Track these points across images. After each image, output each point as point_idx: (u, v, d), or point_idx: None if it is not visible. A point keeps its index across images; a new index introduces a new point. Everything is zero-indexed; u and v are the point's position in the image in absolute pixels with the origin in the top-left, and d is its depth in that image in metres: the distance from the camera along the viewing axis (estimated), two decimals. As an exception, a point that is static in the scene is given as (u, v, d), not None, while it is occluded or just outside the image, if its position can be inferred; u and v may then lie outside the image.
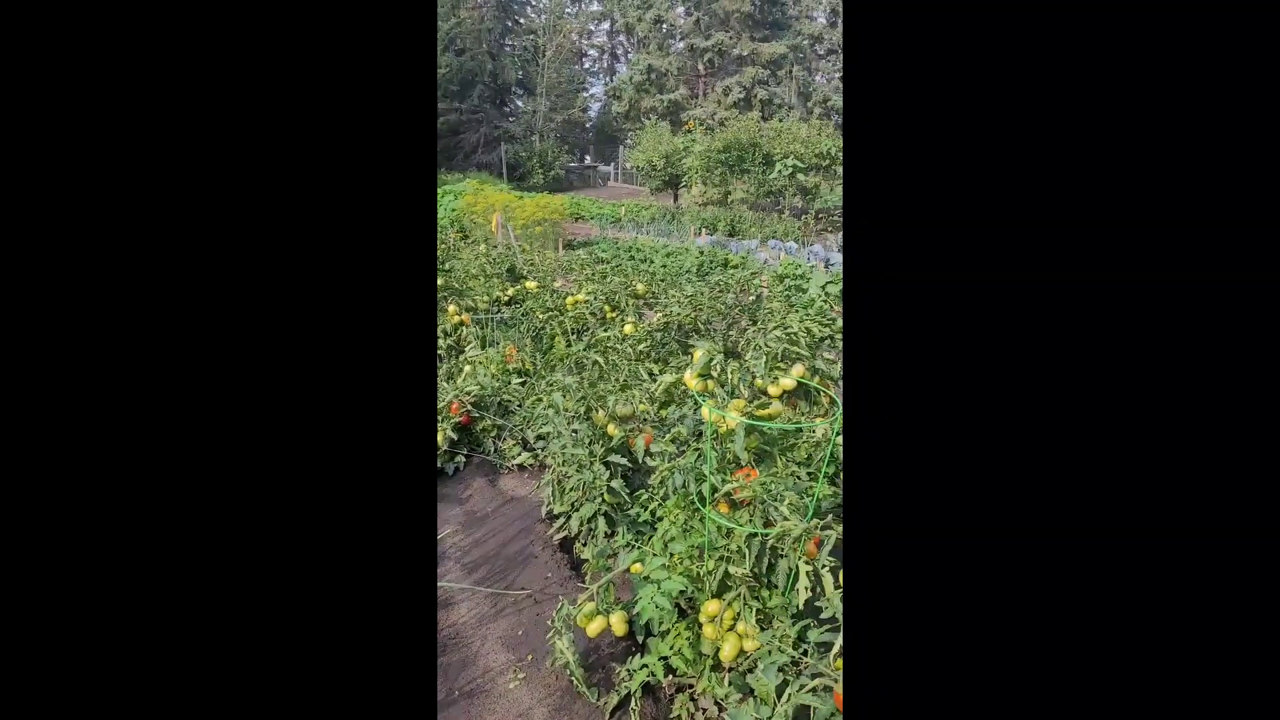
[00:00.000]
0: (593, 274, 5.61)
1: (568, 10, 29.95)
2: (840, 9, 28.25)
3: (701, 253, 10.04)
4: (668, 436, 2.29)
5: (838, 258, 9.83)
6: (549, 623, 2.31)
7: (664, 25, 24.97)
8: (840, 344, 5.38)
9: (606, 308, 4.97)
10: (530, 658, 2.26)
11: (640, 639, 2.18)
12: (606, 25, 31.40)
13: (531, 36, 27.64)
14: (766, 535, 1.94)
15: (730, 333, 3.83)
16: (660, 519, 2.18)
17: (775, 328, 3.40)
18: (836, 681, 1.59)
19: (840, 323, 5.85)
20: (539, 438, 3.60)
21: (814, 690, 1.64)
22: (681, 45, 24.72)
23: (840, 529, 1.91)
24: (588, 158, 32.72)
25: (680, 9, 24.51)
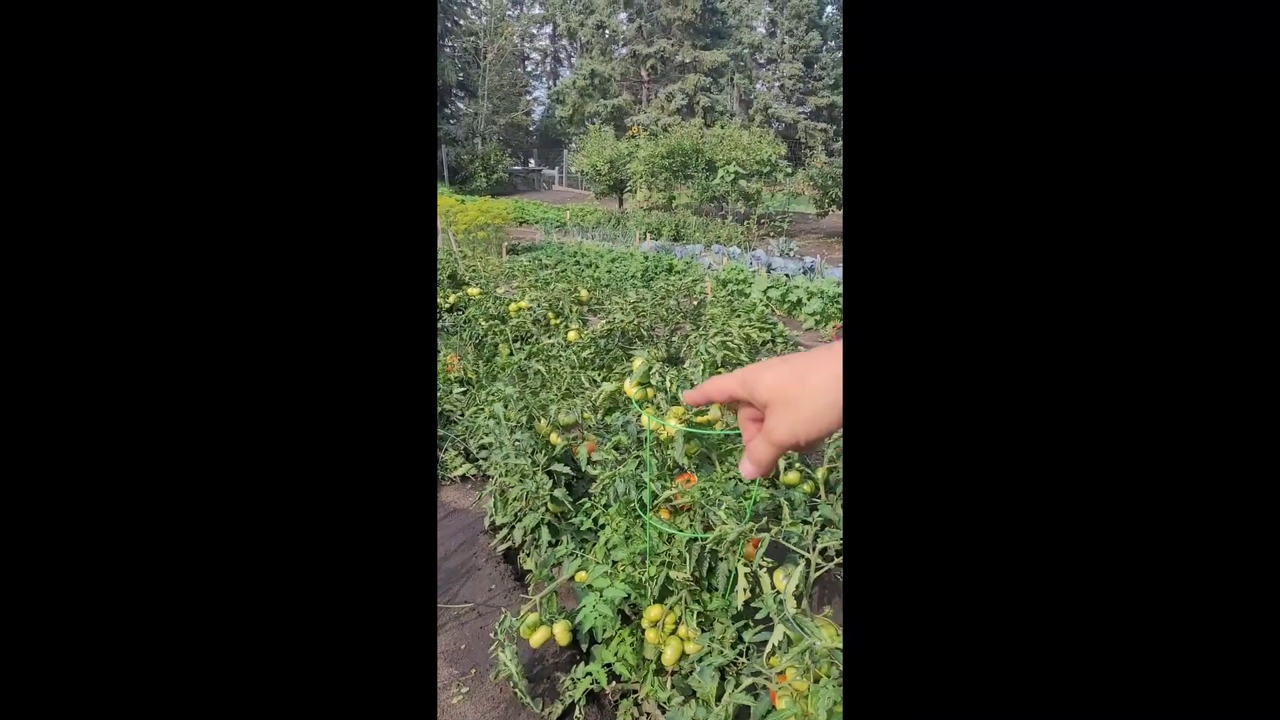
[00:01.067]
0: (536, 280, 5.58)
1: (509, 13, 29.67)
2: (778, 20, 29.02)
3: (646, 258, 10.11)
4: (609, 444, 2.31)
5: (779, 262, 10.08)
6: (492, 635, 2.29)
7: (606, 31, 25.05)
8: (778, 349, 5.52)
9: (550, 314, 4.96)
10: (474, 672, 2.23)
11: (584, 647, 2.19)
12: (549, 29, 31.26)
13: (472, 38, 27.24)
14: (706, 539, 1.99)
15: (673, 339, 3.89)
16: (603, 526, 2.20)
17: (716, 334, 3.48)
18: (771, 680, 1.65)
19: (780, 327, 6.00)
20: (481, 448, 3.56)
21: (750, 689, 1.69)
22: (624, 51, 24.85)
23: (775, 531, 1.97)
24: (532, 161, 32.44)
25: (623, 15, 24.64)
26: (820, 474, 2.75)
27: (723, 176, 15.44)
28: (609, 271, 9.51)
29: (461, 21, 27.74)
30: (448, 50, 26.92)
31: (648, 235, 13.66)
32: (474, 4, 28.57)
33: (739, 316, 6.02)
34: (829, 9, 30.71)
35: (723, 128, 18.18)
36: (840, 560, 2.06)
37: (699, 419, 2.17)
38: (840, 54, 31.61)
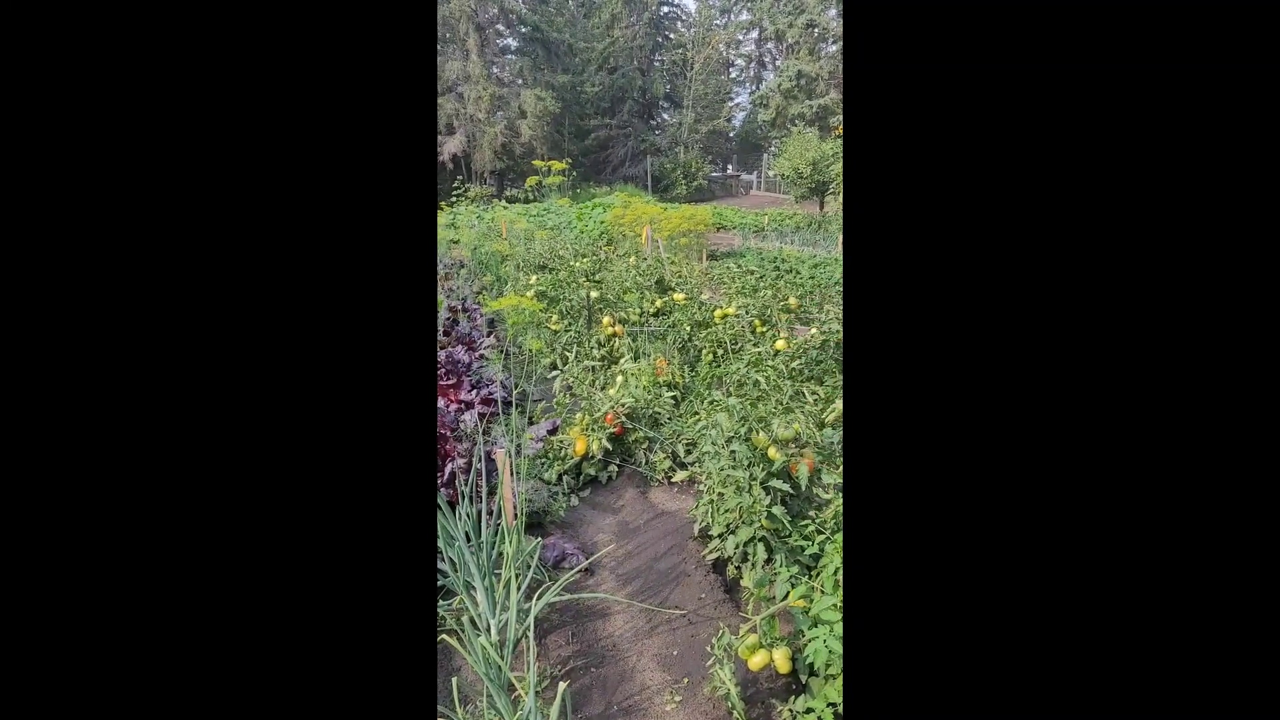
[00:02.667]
0: (742, 286, 5.52)
1: (716, 22, 30.12)
2: None
3: (853, 264, 9.57)
4: (837, 467, 2.16)
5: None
6: (706, 648, 2.27)
7: (815, 29, 24.29)
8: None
9: (757, 321, 4.87)
10: (686, 680, 2.23)
11: (803, 679, 2.07)
12: (755, 34, 31.16)
13: (681, 50, 28.13)
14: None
15: (895, 353, 3.58)
16: (829, 552, 2.06)
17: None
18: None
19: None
20: (690, 452, 3.59)
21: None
22: (834, 48, 23.89)
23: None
24: (730, 167, 32.61)
25: (833, 11, 23.71)
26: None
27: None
28: (811, 278, 9.15)
29: (672, 35, 28.80)
30: (658, 64, 28.12)
31: (853, 240, 12.95)
32: (684, 18, 29.50)
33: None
34: None
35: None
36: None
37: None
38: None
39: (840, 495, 2.04)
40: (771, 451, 2.60)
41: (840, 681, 1.93)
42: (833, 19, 23.70)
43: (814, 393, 2.95)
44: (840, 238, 12.61)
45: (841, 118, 22.38)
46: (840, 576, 1.95)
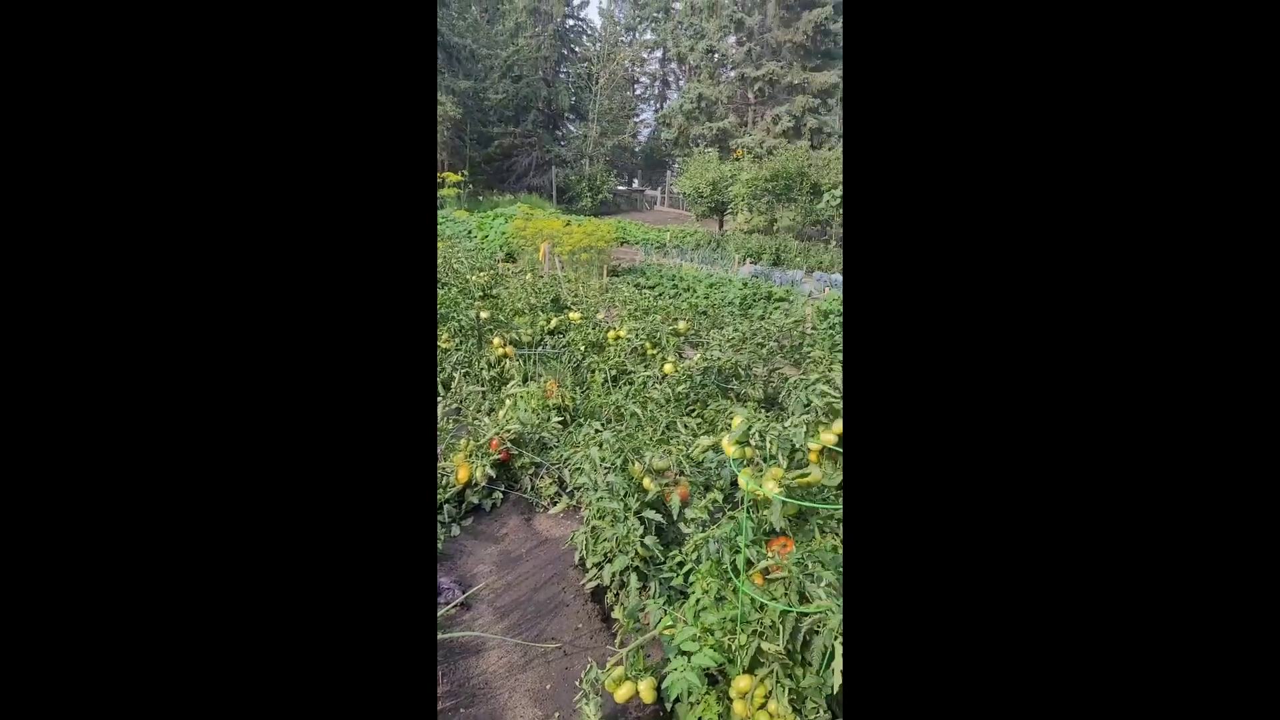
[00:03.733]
0: (635, 309, 5.63)
1: (621, 39, 30.61)
2: (895, 38, 28.18)
3: (745, 284, 9.99)
4: (703, 503, 2.26)
5: (885, 293, 9.66)
6: (576, 682, 2.29)
7: (715, 55, 25.23)
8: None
9: (647, 344, 4.99)
10: (557, 716, 2.24)
11: (669, 707, 2.14)
12: (659, 54, 31.93)
13: (586, 64, 28.32)
14: (804, 613, 1.89)
15: (771, 378, 3.79)
16: (694, 584, 2.15)
17: (817, 379, 3.35)
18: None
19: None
20: (575, 483, 3.61)
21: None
22: (733, 74, 24.91)
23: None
24: (635, 181, 33.11)
25: (732, 39, 24.74)
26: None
27: (828, 201, 15.04)
28: (706, 297, 9.47)
29: (577, 49, 28.94)
30: (563, 76, 28.13)
31: (747, 259, 13.51)
32: (590, 32, 29.74)
33: (839, 351, 5.80)
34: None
35: (830, 150, 17.75)
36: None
37: (800, 481, 2.08)
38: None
39: (700, 529, 2.15)
40: (646, 482, 2.67)
41: (701, 709, 2.02)
42: (731, 46, 24.72)
43: (686, 425, 3.07)
44: (736, 258, 13.14)
45: (740, 141, 23.38)
46: (700, 608, 2.04)
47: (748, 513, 1.97)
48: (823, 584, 1.83)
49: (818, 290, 10.15)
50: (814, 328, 6.87)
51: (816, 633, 1.94)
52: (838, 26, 24.79)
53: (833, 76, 23.26)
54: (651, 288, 10.27)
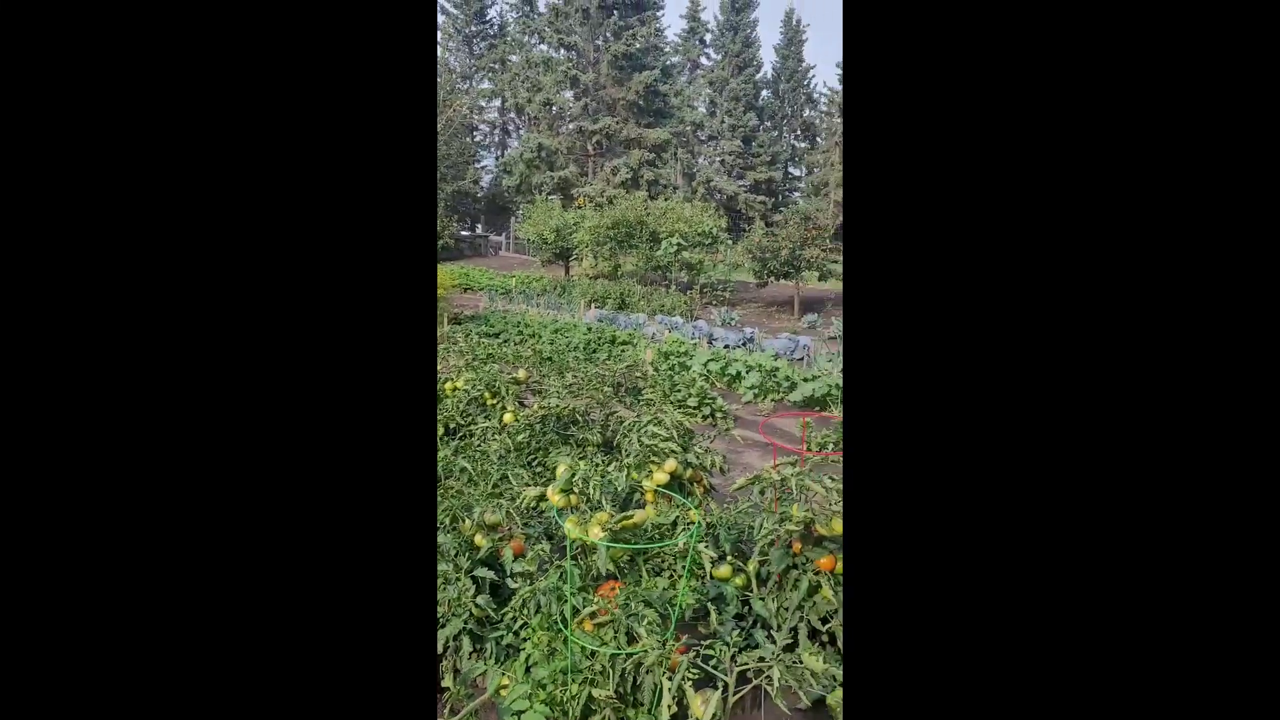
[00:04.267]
0: (472, 359, 5.52)
1: (459, 86, 30.56)
2: (718, 101, 30.93)
3: (589, 329, 10.19)
4: (530, 555, 2.25)
5: (720, 332, 10.33)
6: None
7: (553, 108, 26.01)
8: (716, 428, 5.58)
9: (486, 394, 4.90)
10: (383, 807, 2.06)
11: (504, 774, 2.06)
12: (498, 103, 32.26)
13: (421, 109, 27.80)
14: (632, 654, 1.93)
15: (609, 422, 3.89)
16: (525, 641, 2.11)
17: (650, 421, 3.50)
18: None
19: (719, 401, 6.09)
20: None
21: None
22: (571, 127, 25.78)
23: (694, 653, 1.94)
24: (479, 227, 32.75)
25: (569, 93, 25.69)
26: (751, 566, 2.74)
27: (666, 248, 15.93)
28: (551, 343, 9.52)
29: (411, 94, 28.37)
30: (396, 120, 27.34)
31: (592, 304, 13.84)
32: (424, 77, 29.36)
33: (678, 391, 6.09)
34: (764, 93, 32.96)
35: (666, 200, 18.88)
36: (760, 679, 2.02)
37: (625, 523, 2.15)
38: (775, 134, 33.67)
39: (529, 582, 2.13)
40: (478, 538, 2.60)
41: (537, 769, 1.96)
42: (569, 99, 25.65)
43: (519, 476, 3.05)
44: (582, 303, 13.39)
45: (582, 190, 24.12)
46: (531, 663, 2.01)
47: (572, 560, 1.99)
48: (644, 622, 1.89)
49: (660, 333, 10.62)
50: (655, 369, 7.16)
51: (648, 672, 1.99)
52: (667, 88, 26.73)
53: (664, 133, 24.94)
54: (496, 334, 10.12)
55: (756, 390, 6.84)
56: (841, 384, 6.32)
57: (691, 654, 1.88)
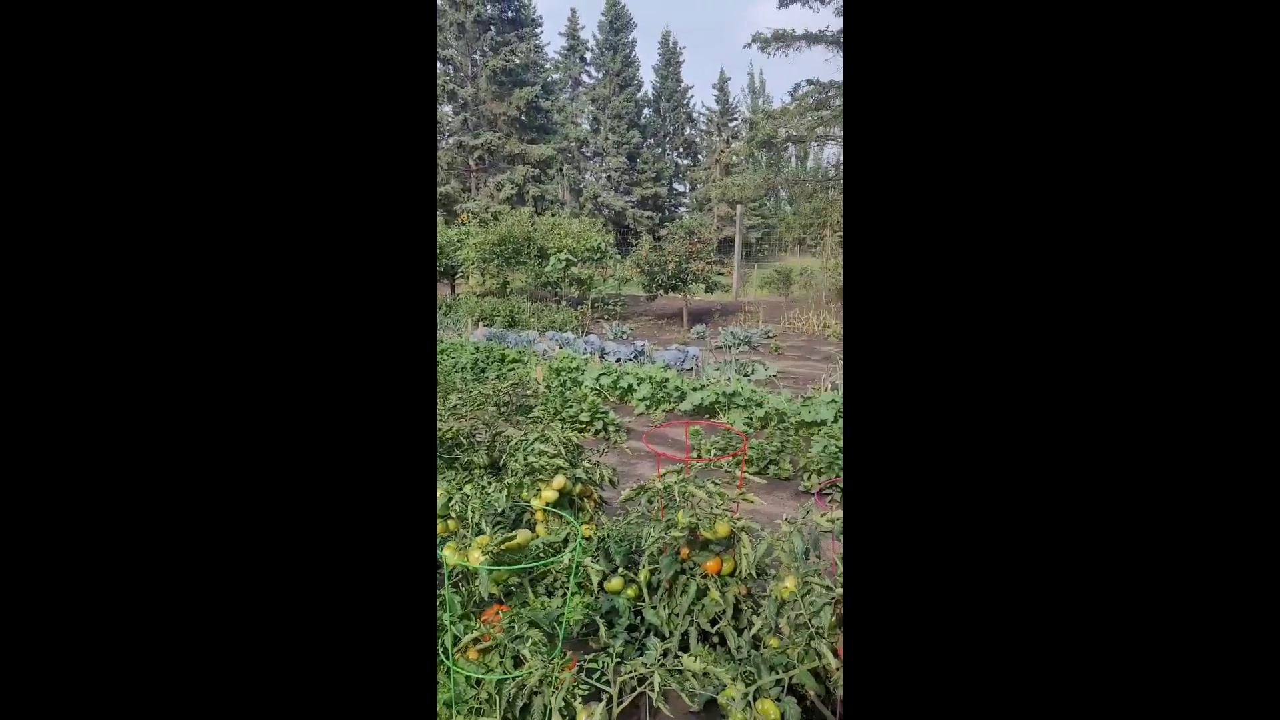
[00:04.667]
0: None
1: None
2: (601, 119, 31.40)
3: (478, 348, 9.94)
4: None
5: (612, 346, 10.42)
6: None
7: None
8: (610, 441, 5.60)
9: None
10: None
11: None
12: (372, 116, 30.90)
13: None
14: (517, 677, 1.89)
15: (495, 443, 3.80)
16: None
17: (536, 439, 3.45)
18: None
19: (611, 415, 6.13)
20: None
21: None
22: (451, 142, 25.17)
23: (586, 661, 1.93)
24: (357, 246, 31.12)
25: (448, 107, 25.10)
26: (643, 576, 2.77)
27: (554, 264, 15.88)
28: (438, 364, 9.18)
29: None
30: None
31: (480, 322, 13.50)
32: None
33: (570, 407, 6.07)
34: (646, 111, 33.90)
35: (553, 216, 18.85)
36: (642, 687, 2.04)
37: (506, 545, 2.10)
38: (659, 150, 34.67)
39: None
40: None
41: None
42: (448, 113, 25.05)
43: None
44: (469, 321, 13.03)
45: (465, 206, 23.55)
46: None
47: (453, 588, 1.92)
48: (528, 644, 1.86)
49: (551, 349, 10.54)
50: (547, 387, 7.09)
51: (536, 693, 1.95)
52: (549, 104, 26.78)
53: (548, 149, 24.93)
54: (377, 358, 9.61)
55: (648, 402, 6.95)
56: (731, 392, 6.57)
57: (577, 670, 1.86)
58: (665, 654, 2.04)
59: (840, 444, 4.55)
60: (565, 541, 2.83)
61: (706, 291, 16.25)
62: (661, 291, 15.67)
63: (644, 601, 2.69)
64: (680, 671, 1.89)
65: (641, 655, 2.18)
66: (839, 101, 20.91)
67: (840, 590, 1.95)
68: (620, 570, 2.77)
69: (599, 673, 1.98)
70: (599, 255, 16.69)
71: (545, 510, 3.06)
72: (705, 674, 1.85)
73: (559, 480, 3.17)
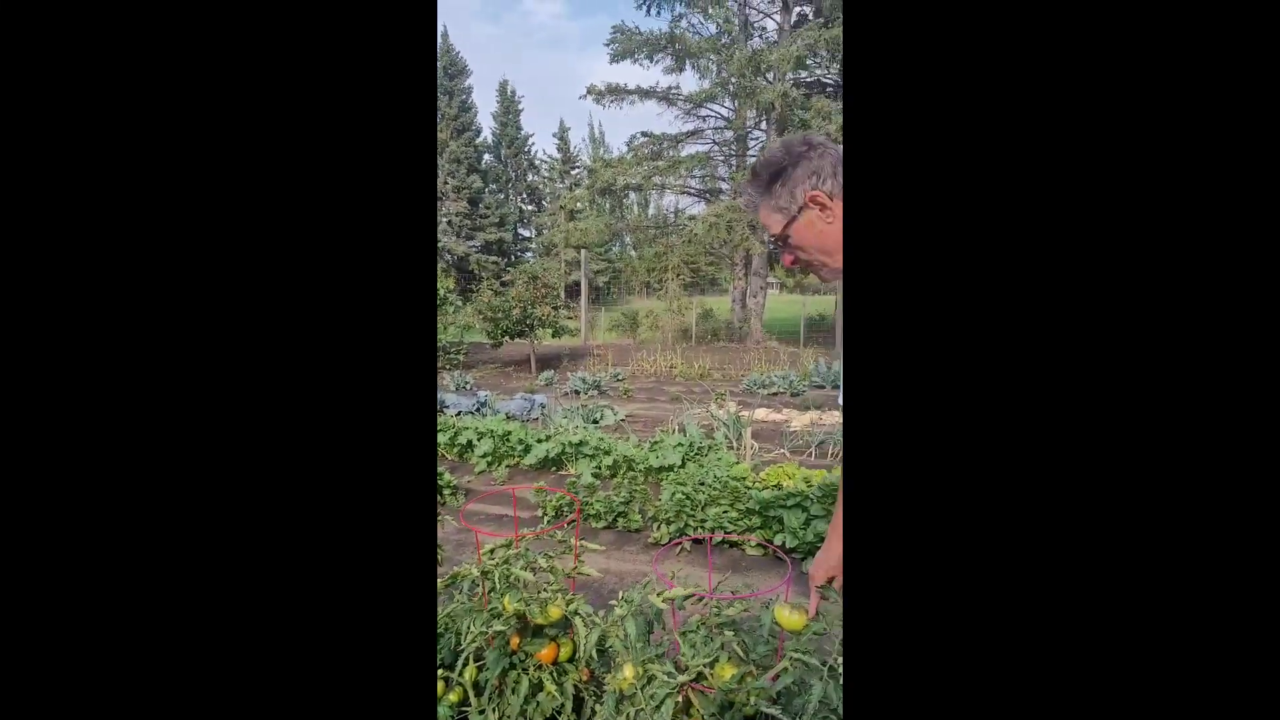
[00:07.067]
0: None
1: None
2: (440, 162, 30.57)
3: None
4: None
5: (453, 398, 9.78)
6: None
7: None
8: (445, 500, 5.08)
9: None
10: None
11: None
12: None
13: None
14: None
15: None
16: None
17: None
18: None
19: (448, 476, 5.60)
20: None
21: None
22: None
23: None
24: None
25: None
26: (468, 676, 2.37)
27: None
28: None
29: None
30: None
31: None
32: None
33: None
34: (486, 157, 33.67)
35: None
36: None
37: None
38: (501, 196, 34.47)
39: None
40: None
41: None
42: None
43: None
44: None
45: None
46: None
47: None
48: None
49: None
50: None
51: None
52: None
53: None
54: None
55: (490, 459, 6.48)
56: (578, 441, 6.31)
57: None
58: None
59: (687, 491, 4.47)
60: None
61: (554, 336, 16.05)
62: (507, 338, 15.20)
63: (470, 706, 2.31)
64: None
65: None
66: (672, 152, 22.17)
67: (682, 677, 1.75)
68: (440, 671, 2.37)
69: None
70: (441, 302, 15.92)
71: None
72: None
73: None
